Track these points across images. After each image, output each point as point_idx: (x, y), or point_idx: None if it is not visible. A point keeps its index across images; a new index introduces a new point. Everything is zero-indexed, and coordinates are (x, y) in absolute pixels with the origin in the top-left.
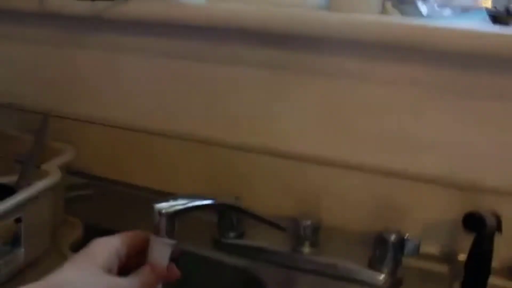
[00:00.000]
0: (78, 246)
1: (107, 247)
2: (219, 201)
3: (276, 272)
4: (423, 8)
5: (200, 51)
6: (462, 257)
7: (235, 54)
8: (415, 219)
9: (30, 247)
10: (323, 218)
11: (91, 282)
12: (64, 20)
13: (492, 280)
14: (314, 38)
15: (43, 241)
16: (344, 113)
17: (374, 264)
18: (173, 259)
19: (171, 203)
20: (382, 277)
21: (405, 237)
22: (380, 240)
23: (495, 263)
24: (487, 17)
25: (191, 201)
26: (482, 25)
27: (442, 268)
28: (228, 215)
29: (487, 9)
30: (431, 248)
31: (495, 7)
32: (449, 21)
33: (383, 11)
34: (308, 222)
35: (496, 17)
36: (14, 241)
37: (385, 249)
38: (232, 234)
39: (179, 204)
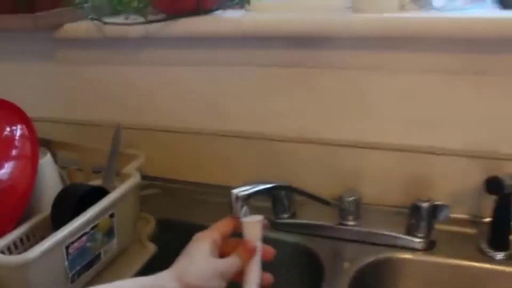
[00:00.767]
0: (154, 237)
1: (206, 238)
2: (279, 183)
3: (325, 243)
4: (438, 1)
5: (242, 58)
6: (487, 219)
7: (270, 56)
8: (443, 189)
9: (120, 237)
10: (363, 194)
11: (203, 265)
12: (121, 42)
13: None
14: (342, 38)
15: (129, 233)
16: (371, 101)
17: (411, 230)
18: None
19: (244, 188)
20: (418, 241)
21: (437, 204)
22: (414, 209)
23: None
24: (495, 4)
25: (258, 186)
26: (492, 11)
27: (470, 230)
28: (281, 199)
29: None
30: (459, 213)
31: None
32: (461, 11)
33: (400, 8)
34: (351, 198)
35: (504, 2)
36: (109, 233)
37: (419, 216)
38: (285, 215)
39: (250, 188)
